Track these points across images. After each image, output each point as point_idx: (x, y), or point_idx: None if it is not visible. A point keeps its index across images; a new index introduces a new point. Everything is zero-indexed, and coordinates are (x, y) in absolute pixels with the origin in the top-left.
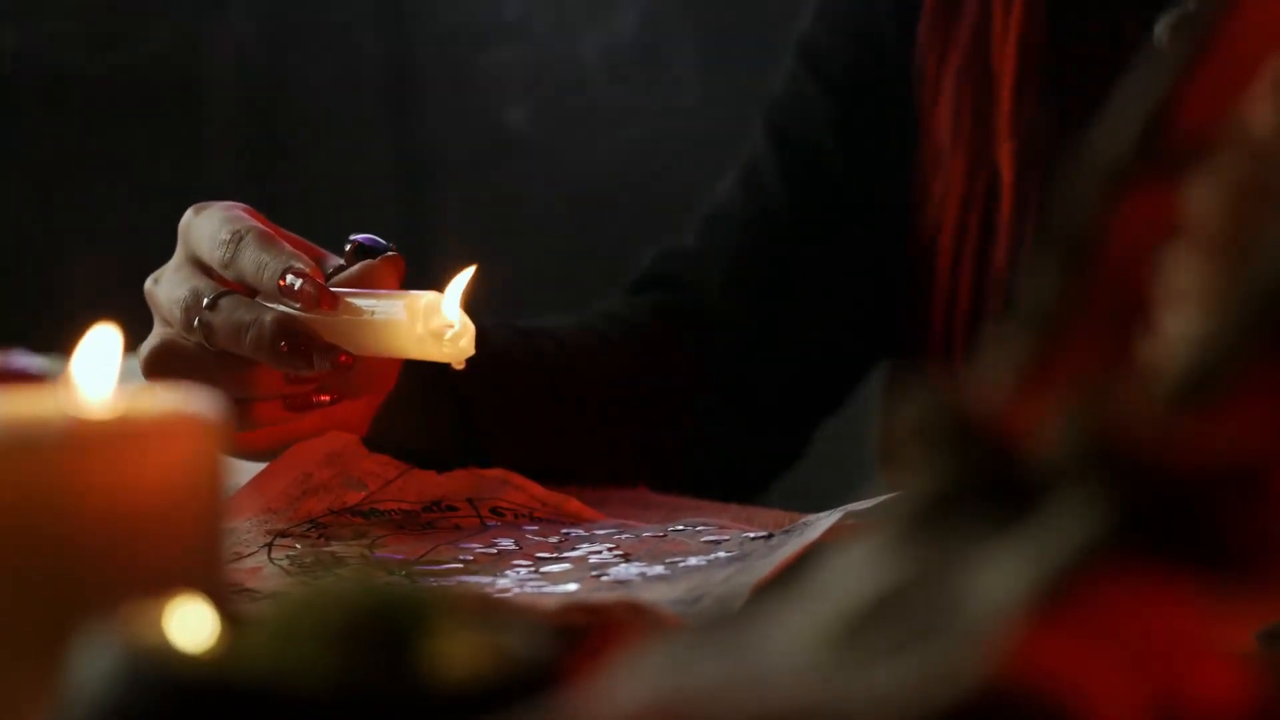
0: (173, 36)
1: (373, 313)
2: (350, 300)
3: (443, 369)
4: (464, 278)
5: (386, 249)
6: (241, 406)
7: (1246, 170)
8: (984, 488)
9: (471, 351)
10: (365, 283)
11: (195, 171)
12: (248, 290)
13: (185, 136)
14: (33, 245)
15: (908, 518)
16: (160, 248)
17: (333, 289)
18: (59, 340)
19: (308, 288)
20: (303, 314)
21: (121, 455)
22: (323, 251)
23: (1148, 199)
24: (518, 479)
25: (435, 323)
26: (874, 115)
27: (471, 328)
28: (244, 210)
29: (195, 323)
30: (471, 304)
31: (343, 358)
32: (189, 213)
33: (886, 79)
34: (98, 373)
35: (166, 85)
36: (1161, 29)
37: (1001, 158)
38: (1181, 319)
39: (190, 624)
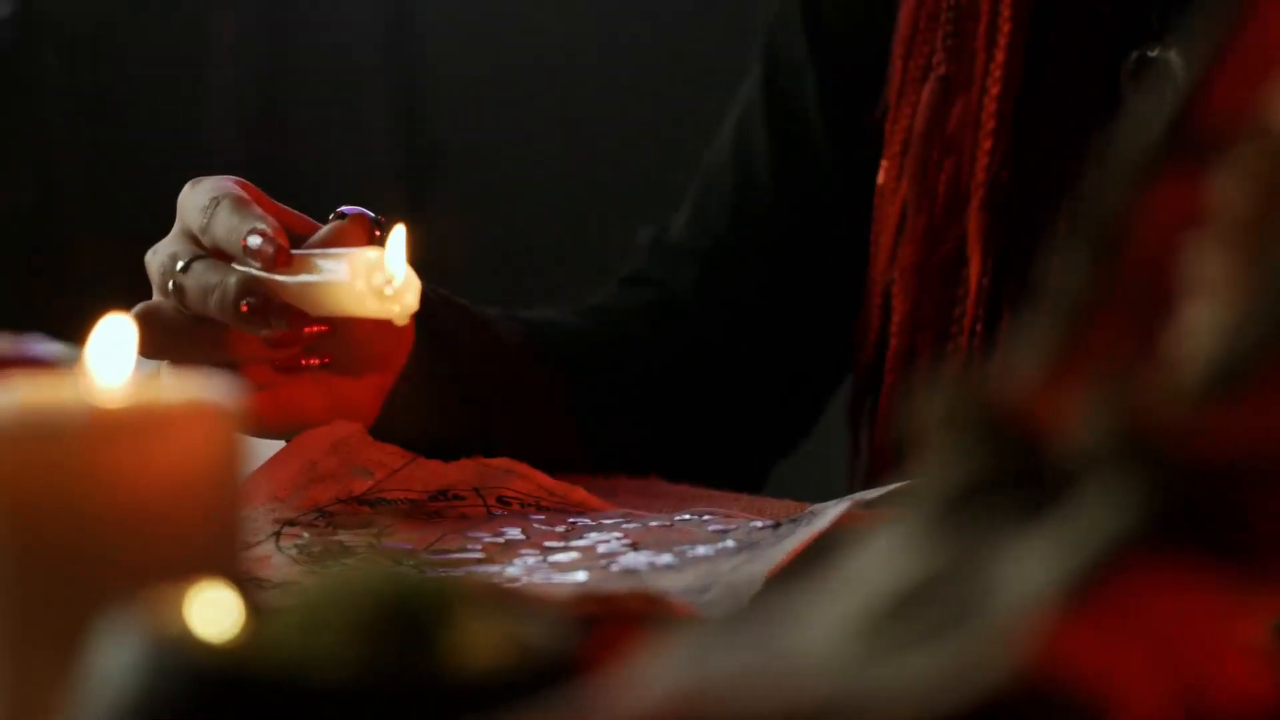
0: (180, 26)
1: (323, 271)
2: (310, 260)
3: (449, 358)
4: (400, 233)
5: (370, 217)
6: (229, 371)
7: (1271, 160)
8: (1012, 478)
9: (415, 307)
10: (333, 243)
11: (202, 162)
12: (226, 256)
13: (193, 125)
14: (45, 232)
15: (936, 508)
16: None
17: (295, 251)
18: (74, 327)
19: (266, 247)
20: (265, 275)
21: (140, 443)
22: (318, 225)
23: (1174, 189)
24: (524, 468)
25: (376, 279)
26: (863, 88)
27: (416, 283)
28: (234, 181)
29: (170, 286)
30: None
31: (319, 327)
32: (186, 186)
33: (879, 54)
34: (114, 360)
35: (173, 74)
36: (1127, 71)
37: (970, 229)
38: (1208, 309)
39: (212, 612)
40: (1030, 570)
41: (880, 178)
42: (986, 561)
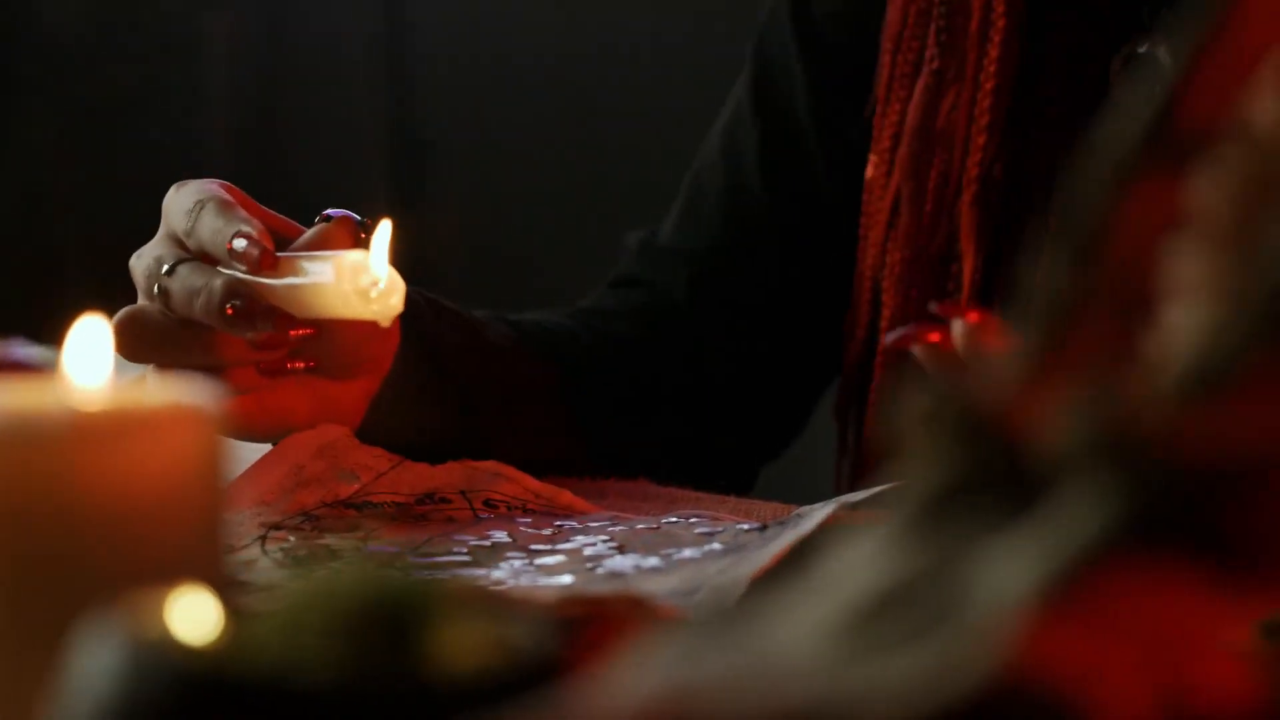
0: (171, 27)
1: (308, 273)
2: (296, 263)
3: (436, 361)
4: (384, 233)
5: (356, 220)
6: (215, 375)
7: (1251, 162)
8: (993, 479)
9: (400, 309)
10: (319, 246)
11: (193, 163)
12: (211, 259)
13: (183, 127)
14: (31, 234)
15: (916, 509)
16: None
17: (280, 254)
18: (57, 331)
19: (252, 249)
20: (250, 278)
21: (121, 447)
22: (302, 229)
23: (1155, 190)
24: (511, 471)
25: (362, 281)
26: (853, 85)
27: (401, 285)
28: (218, 184)
29: (155, 289)
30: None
31: (305, 329)
32: (171, 190)
33: (868, 52)
34: (94, 363)
35: (164, 75)
36: (1116, 67)
37: (963, 224)
38: (1189, 311)
39: (193, 616)
40: (1011, 571)
41: (869, 173)
42: (967, 562)
